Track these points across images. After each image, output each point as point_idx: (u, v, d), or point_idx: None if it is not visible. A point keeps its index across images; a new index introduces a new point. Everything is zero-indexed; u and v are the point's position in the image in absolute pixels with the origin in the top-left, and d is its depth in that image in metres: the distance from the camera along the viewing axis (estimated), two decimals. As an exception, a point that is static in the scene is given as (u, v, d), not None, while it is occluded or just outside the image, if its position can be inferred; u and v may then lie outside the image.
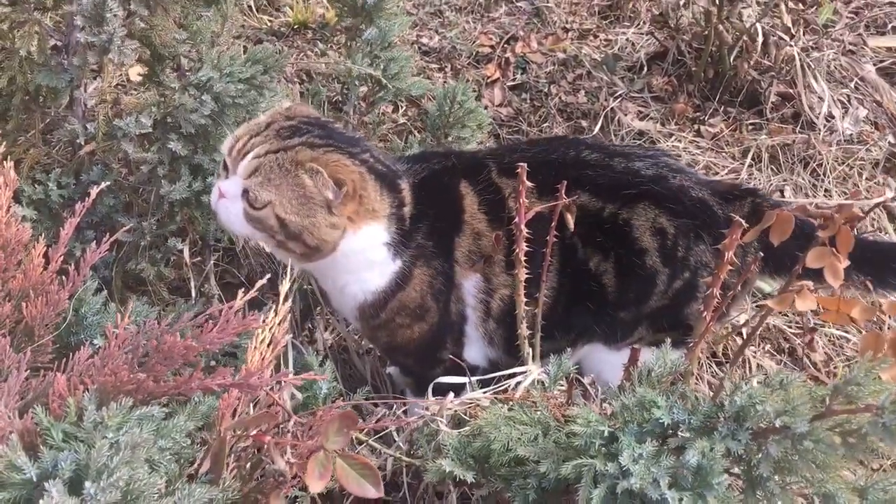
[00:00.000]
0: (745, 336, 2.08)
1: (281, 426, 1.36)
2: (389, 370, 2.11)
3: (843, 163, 2.81)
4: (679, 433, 1.21)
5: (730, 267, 1.55)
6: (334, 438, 1.07)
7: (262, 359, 1.39)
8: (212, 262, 2.15)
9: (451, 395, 1.50)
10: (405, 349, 1.86)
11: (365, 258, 1.71)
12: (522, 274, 1.66)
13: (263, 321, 1.40)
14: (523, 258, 1.64)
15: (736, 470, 1.21)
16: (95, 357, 1.26)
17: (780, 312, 2.19)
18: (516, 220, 1.62)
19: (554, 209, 1.63)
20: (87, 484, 0.97)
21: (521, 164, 1.56)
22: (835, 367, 2.13)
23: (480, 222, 1.75)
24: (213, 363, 1.69)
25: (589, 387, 1.75)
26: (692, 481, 1.11)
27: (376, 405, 1.76)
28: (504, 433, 1.31)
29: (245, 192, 1.62)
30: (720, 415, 1.21)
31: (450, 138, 2.19)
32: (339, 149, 1.66)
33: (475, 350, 1.86)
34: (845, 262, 1.13)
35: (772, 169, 2.81)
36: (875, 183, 2.76)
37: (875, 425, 0.99)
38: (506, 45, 3.25)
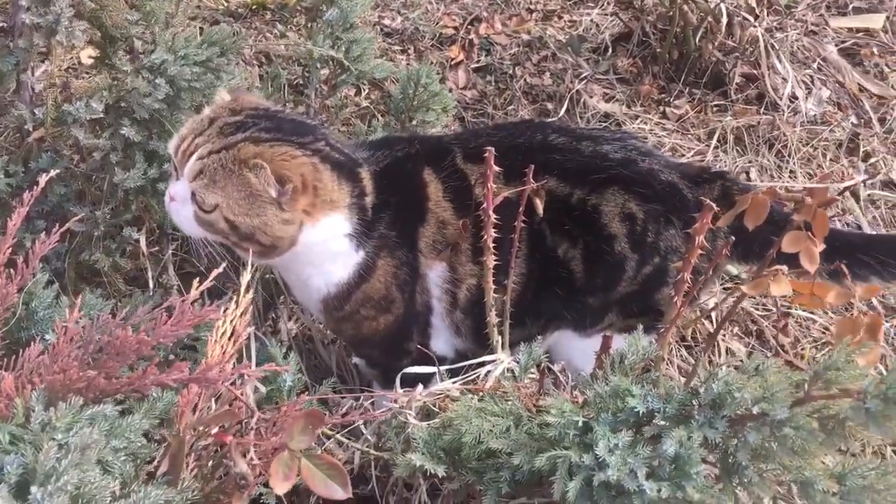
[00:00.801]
0: (714, 320, 2.07)
1: (244, 422, 1.31)
2: (355, 361, 2.06)
3: (808, 144, 2.81)
4: (654, 422, 1.19)
5: (700, 251, 1.53)
6: (299, 438, 1.03)
7: (223, 352, 1.33)
8: (170, 251, 2.08)
9: (420, 387, 1.46)
10: (371, 341, 1.82)
11: (326, 250, 1.66)
12: (491, 261, 1.62)
13: (224, 312, 1.34)
14: (491, 245, 1.60)
15: (711, 458, 1.19)
16: (46, 354, 1.19)
17: (751, 298, 2.18)
18: (484, 206, 1.58)
19: (522, 194, 1.59)
20: (34, 489, 0.92)
21: (489, 148, 1.52)
22: (802, 349, 2.13)
23: (445, 210, 1.71)
24: (171, 357, 1.63)
25: (559, 374, 1.73)
26: (670, 471, 1.08)
27: (343, 397, 1.71)
28: (475, 425, 1.27)
29: (193, 195, 1.56)
30: (695, 402, 1.19)
31: (414, 122, 2.14)
32: (288, 141, 1.59)
33: (442, 341, 1.83)
34: (821, 246, 1.11)
35: (737, 150, 2.81)
36: (840, 165, 2.77)
37: (858, 410, 0.97)
38: (469, 27, 3.20)
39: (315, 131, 1.67)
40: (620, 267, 1.67)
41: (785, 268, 1.16)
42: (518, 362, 1.50)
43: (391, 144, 1.77)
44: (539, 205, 1.60)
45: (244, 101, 1.66)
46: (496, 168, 1.54)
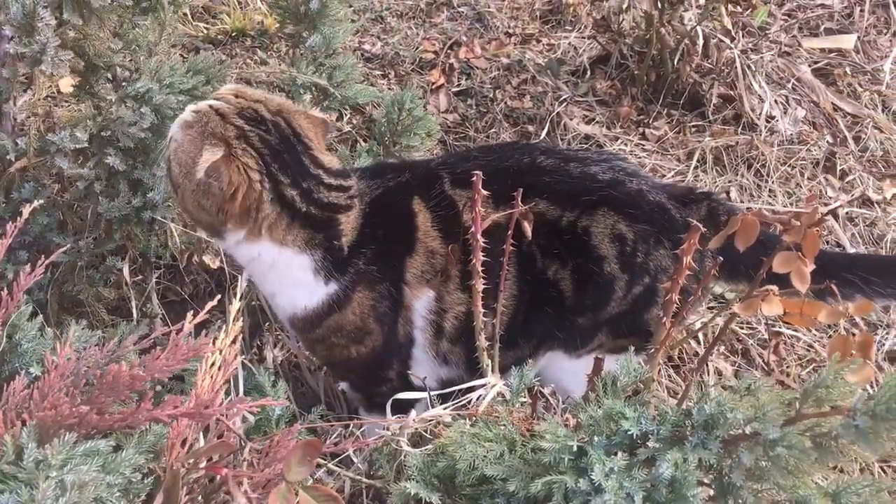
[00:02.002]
0: (702, 340, 2.08)
1: (235, 454, 1.29)
2: (342, 386, 2.05)
3: (785, 163, 2.85)
4: (648, 444, 1.19)
5: (688, 272, 1.54)
6: (297, 469, 1.02)
7: (213, 383, 1.32)
8: (153, 280, 2.07)
9: (413, 413, 1.45)
10: (345, 366, 1.81)
11: (285, 274, 1.65)
12: (480, 285, 1.62)
13: (213, 342, 1.33)
14: (480, 269, 1.60)
15: (706, 479, 1.19)
16: (34, 388, 1.18)
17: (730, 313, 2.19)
18: (472, 230, 1.58)
19: (510, 218, 1.60)
20: (31, 529, 0.90)
21: (476, 172, 1.52)
22: (787, 367, 2.15)
23: (434, 240, 1.70)
24: (158, 387, 1.61)
25: (550, 397, 1.73)
26: (667, 495, 1.08)
27: (332, 425, 1.70)
28: (469, 451, 1.27)
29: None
30: (687, 423, 1.19)
31: (398, 147, 2.15)
32: (264, 161, 1.57)
33: (424, 371, 1.82)
34: (811, 266, 1.12)
35: (716, 170, 2.84)
36: (817, 183, 2.80)
37: (848, 427, 0.98)
38: (449, 51, 3.22)
39: (306, 172, 1.62)
40: (610, 287, 1.67)
41: (775, 288, 1.17)
42: (509, 386, 1.50)
43: (383, 173, 1.76)
44: (528, 228, 1.61)
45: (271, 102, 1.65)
46: (484, 192, 1.55)
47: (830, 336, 2.20)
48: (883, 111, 3.15)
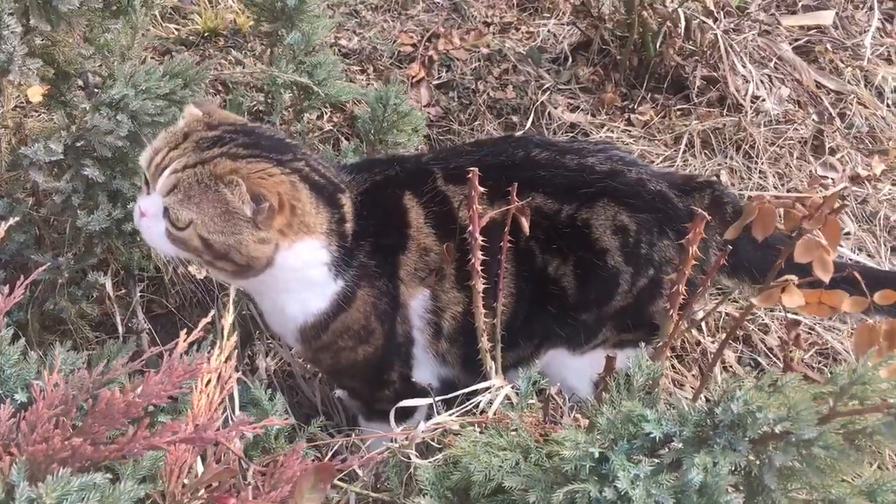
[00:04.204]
0: (704, 329, 2.04)
1: (237, 476, 1.23)
2: (338, 394, 1.99)
3: (774, 144, 2.81)
4: (671, 446, 1.14)
5: (694, 262, 1.50)
6: (309, 496, 0.96)
7: (210, 402, 1.26)
8: (137, 293, 1.99)
9: (422, 424, 1.39)
10: (350, 372, 1.75)
11: (303, 277, 1.60)
12: (480, 284, 1.57)
13: (207, 359, 1.27)
14: (479, 268, 1.55)
15: (732, 480, 1.14)
16: (21, 418, 1.11)
17: (731, 300, 2.16)
18: (469, 228, 1.53)
19: (507, 214, 1.54)
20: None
21: (472, 168, 1.47)
22: (791, 352, 2.11)
23: (427, 237, 1.65)
24: (150, 408, 1.54)
25: (556, 396, 1.68)
26: (697, 501, 1.04)
27: (332, 436, 1.64)
28: (483, 462, 1.22)
29: (166, 211, 1.48)
30: (709, 422, 1.15)
31: (384, 144, 2.08)
32: (266, 157, 1.53)
33: (426, 371, 1.76)
34: (834, 254, 1.07)
35: (705, 154, 2.80)
36: (807, 163, 2.78)
37: (891, 426, 0.94)
38: (427, 43, 3.15)
39: (295, 150, 1.60)
40: (614, 281, 1.63)
41: (794, 278, 1.13)
42: (517, 389, 1.45)
43: (371, 167, 1.71)
44: (525, 223, 1.56)
45: (220, 115, 1.59)
46: (480, 188, 1.49)
47: (831, 319, 2.17)
48: (866, 86, 3.12)
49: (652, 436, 1.14)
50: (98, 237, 1.77)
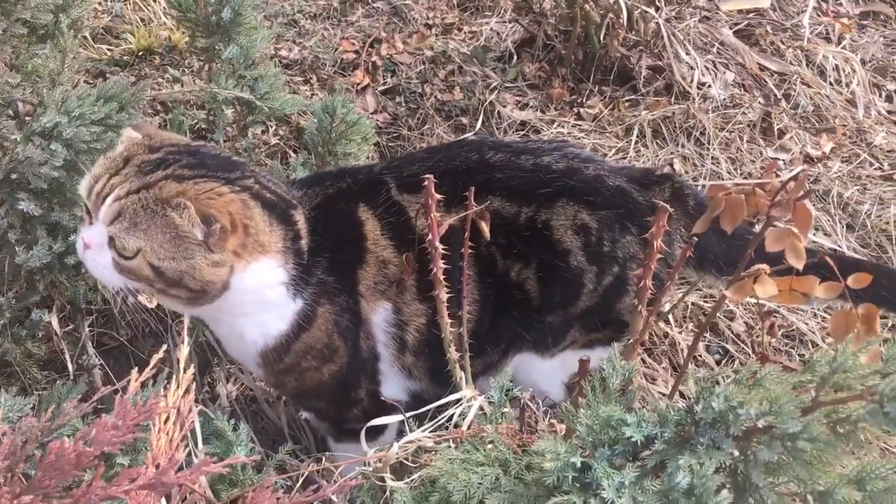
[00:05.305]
0: (671, 321, 2.02)
1: (206, 517, 1.17)
2: (305, 416, 1.93)
3: (723, 129, 2.82)
4: (653, 448, 1.11)
5: (659, 256, 1.47)
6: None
7: (170, 440, 1.20)
8: (86, 328, 1.90)
9: (395, 444, 1.34)
10: (316, 393, 1.70)
11: (261, 298, 1.54)
12: (443, 294, 1.52)
13: (164, 396, 1.20)
14: (442, 277, 1.51)
15: (719, 478, 1.12)
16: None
17: (697, 290, 2.14)
18: (429, 237, 1.48)
19: (466, 220, 1.50)
20: None
21: (427, 175, 1.43)
22: (757, 337, 2.11)
23: (385, 249, 1.60)
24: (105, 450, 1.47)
25: (529, 403, 1.64)
26: (686, 505, 1.00)
27: (302, 461, 1.58)
28: (462, 480, 1.17)
29: (111, 241, 1.41)
30: (689, 421, 1.12)
31: (334, 156, 2.02)
32: (214, 177, 1.47)
33: (394, 386, 1.72)
34: (805, 241, 1.05)
35: (657, 143, 2.79)
36: (757, 144, 2.79)
37: (875, 414, 0.91)
38: (370, 49, 3.10)
39: (243, 167, 1.54)
40: (579, 281, 1.59)
41: (766, 267, 1.10)
42: (491, 399, 1.41)
43: (321, 181, 1.65)
44: (485, 228, 1.52)
45: (162, 137, 1.52)
46: (437, 195, 1.45)
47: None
48: (808, 66, 3.15)
49: (633, 440, 1.11)
50: (39, 273, 1.68)
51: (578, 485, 1.10)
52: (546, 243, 1.58)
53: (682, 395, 1.71)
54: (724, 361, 2.05)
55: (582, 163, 1.62)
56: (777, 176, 1.43)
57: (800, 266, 1.04)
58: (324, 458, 1.60)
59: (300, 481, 1.50)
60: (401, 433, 1.82)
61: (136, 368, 1.11)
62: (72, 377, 1.79)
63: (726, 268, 1.60)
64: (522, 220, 1.58)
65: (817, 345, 2.04)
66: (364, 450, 1.47)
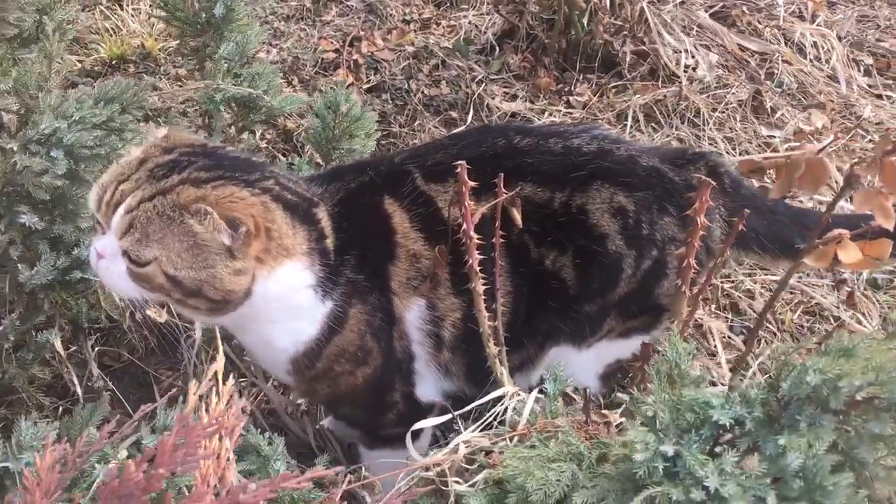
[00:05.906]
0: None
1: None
2: (325, 423, 1.84)
3: (716, 109, 2.80)
4: (742, 430, 1.06)
5: (702, 232, 1.43)
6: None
7: (217, 457, 1.11)
8: (90, 348, 1.79)
9: (461, 446, 1.26)
10: (350, 398, 1.61)
11: (289, 304, 1.45)
12: (480, 286, 1.45)
13: (206, 409, 1.12)
14: (478, 268, 1.44)
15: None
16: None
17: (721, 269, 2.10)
18: (464, 227, 1.41)
19: (496, 208, 1.44)
20: None
21: (460, 162, 1.36)
22: (781, 315, 2.08)
23: (415, 242, 1.52)
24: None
25: (576, 395, 1.58)
26: (799, 489, 0.95)
27: (344, 476, 1.50)
28: (539, 478, 1.10)
29: (125, 252, 1.32)
30: (772, 398, 1.07)
31: (339, 152, 1.94)
32: (233, 179, 1.38)
33: (429, 387, 1.64)
34: (894, 199, 1.01)
35: (651, 127, 2.76)
36: (750, 123, 2.77)
37: None
38: (350, 48, 3.02)
39: (262, 168, 1.46)
40: (618, 266, 1.53)
41: (847, 231, 1.06)
42: (545, 392, 1.35)
43: (341, 176, 1.57)
44: (517, 215, 1.46)
45: (177, 138, 1.43)
46: (470, 182, 1.38)
47: (809, 275, 2.15)
48: (786, 44, 3.16)
49: (721, 423, 1.05)
50: (44, 291, 1.57)
51: (668, 474, 1.04)
52: (582, 228, 1.52)
53: (761, 375, 1.66)
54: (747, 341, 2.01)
55: (612, 144, 1.57)
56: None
57: (890, 225, 0.99)
58: (363, 470, 1.52)
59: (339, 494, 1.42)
60: (435, 437, 1.75)
61: (193, 382, 1.02)
62: (81, 401, 1.68)
63: (770, 244, 1.56)
64: (556, 205, 1.52)
65: (839, 318, 2.01)
66: (410, 454, 1.39)
